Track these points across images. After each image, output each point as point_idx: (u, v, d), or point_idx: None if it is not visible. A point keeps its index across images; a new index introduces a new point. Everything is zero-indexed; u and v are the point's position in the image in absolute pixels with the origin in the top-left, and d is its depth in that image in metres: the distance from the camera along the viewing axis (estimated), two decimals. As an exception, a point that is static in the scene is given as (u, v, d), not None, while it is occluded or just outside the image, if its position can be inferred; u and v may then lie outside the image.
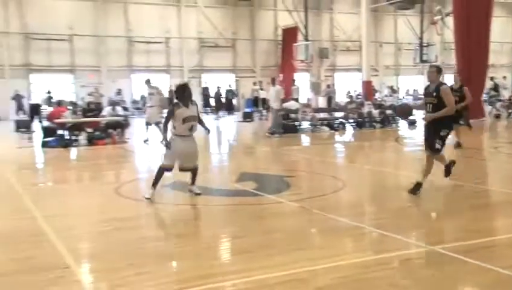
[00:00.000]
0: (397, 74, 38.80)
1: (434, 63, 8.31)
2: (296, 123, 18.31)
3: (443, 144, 7.22)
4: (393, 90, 33.48)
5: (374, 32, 34.53)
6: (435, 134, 7.14)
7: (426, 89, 7.39)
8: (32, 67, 28.71)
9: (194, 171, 7.50)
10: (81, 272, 4.70)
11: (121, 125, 15.72)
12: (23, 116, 23.16)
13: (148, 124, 15.23)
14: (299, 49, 29.32)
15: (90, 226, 6.30)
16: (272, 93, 17.10)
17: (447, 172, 7.51)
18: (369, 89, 26.93)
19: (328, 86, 29.65)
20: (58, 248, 5.26)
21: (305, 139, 16.94)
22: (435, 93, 7.06)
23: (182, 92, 7.27)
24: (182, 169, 7.47)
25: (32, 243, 5.49)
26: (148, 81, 15.56)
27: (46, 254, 5.12)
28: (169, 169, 7.42)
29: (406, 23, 32.37)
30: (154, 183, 7.28)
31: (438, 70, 7.27)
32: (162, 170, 7.36)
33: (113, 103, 18.68)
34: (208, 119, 25.91)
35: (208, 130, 7.85)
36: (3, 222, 6.40)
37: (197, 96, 32.33)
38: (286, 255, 4.90)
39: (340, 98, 25.86)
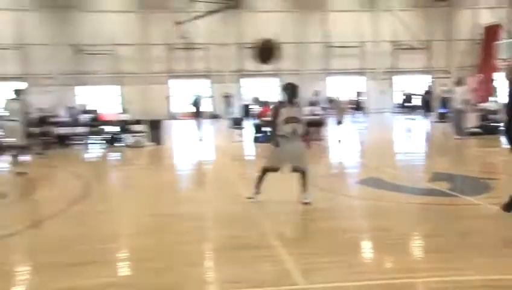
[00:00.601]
0: None
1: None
2: (496, 124, 16.50)
3: None
4: None
5: None
6: None
7: None
8: (244, 73, 31.18)
9: (303, 176, 6.73)
10: (282, 253, 4.94)
11: (318, 124, 16.12)
12: (233, 115, 25.24)
13: (339, 123, 15.61)
14: (502, 47, 26.35)
15: (291, 213, 6.58)
16: (457, 94, 15.70)
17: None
18: None
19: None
20: (265, 230, 5.63)
21: (505, 141, 15.16)
22: None
23: (287, 91, 6.70)
24: (294, 170, 6.79)
25: (244, 224, 5.98)
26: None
27: (255, 234, 5.52)
28: (273, 170, 6.81)
29: None
30: (257, 184, 6.83)
31: None
32: (264, 171, 6.85)
33: (311, 103, 19.22)
34: (401, 120, 24.99)
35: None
36: (222, 205, 7.09)
37: (389, 98, 31.68)
38: (484, 259, 4.47)
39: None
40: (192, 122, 18.81)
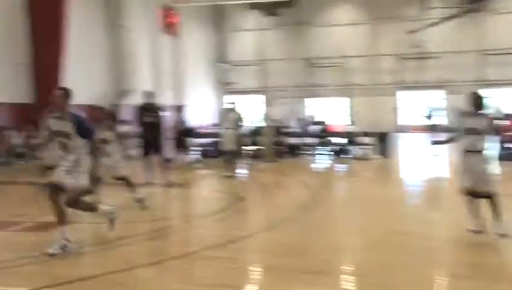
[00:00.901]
0: None
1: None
2: None
3: None
4: None
5: None
6: None
7: None
8: (485, 82, 28.38)
9: (492, 201, 5.67)
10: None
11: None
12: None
13: None
14: None
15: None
16: None
17: None
18: None
19: None
20: (508, 261, 4.93)
21: None
22: None
23: (471, 100, 5.98)
24: (474, 193, 5.76)
25: (483, 251, 5.36)
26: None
27: (495, 264, 4.88)
28: (471, 195, 5.81)
29: None
30: (472, 214, 5.86)
31: None
32: (466, 197, 5.88)
33: None
34: None
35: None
36: (456, 227, 6.46)
37: None
38: None
39: None
40: (425, 136, 17.91)
